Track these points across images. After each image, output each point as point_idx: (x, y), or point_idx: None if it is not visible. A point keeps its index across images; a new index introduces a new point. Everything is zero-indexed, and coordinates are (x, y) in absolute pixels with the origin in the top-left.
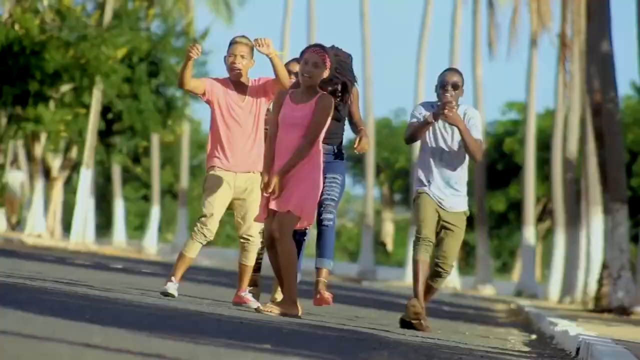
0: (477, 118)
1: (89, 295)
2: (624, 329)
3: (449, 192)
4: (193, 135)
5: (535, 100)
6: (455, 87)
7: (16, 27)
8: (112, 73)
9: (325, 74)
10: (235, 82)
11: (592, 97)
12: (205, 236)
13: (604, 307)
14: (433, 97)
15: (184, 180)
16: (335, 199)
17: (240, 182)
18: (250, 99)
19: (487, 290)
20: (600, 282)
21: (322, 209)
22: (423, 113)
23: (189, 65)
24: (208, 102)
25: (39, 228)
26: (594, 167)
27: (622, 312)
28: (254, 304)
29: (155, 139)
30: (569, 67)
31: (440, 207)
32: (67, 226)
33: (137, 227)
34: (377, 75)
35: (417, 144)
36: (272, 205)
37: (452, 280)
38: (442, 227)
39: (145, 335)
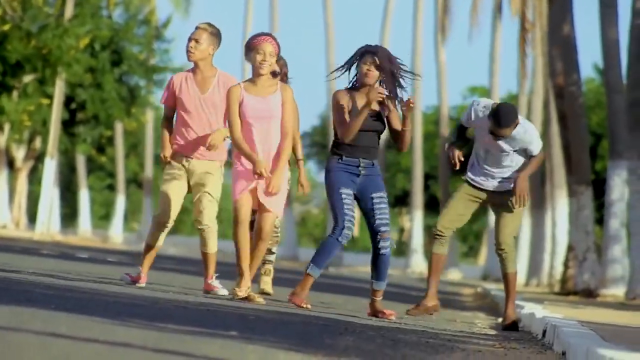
0: (534, 136)
1: (55, 285)
2: (590, 311)
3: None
4: (157, 123)
5: (498, 84)
6: (514, 125)
7: None
8: (75, 63)
9: (273, 61)
10: (196, 71)
11: (554, 80)
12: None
13: (570, 290)
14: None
15: (149, 169)
16: (388, 222)
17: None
18: (212, 91)
19: (454, 275)
20: (566, 265)
21: (377, 236)
22: (475, 122)
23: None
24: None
25: (4, 219)
26: (558, 150)
27: (588, 294)
28: (221, 291)
29: (119, 128)
30: (531, 51)
31: (484, 190)
32: (32, 217)
33: (102, 216)
34: (340, 61)
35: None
36: (266, 202)
37: (419, 265)
38: (494, 208)
39: (112, 323)
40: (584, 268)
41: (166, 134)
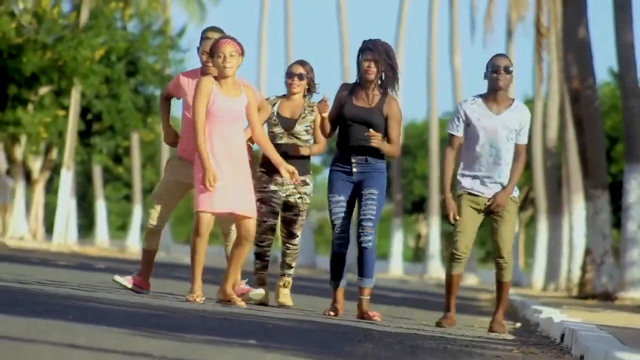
0: (529, 123)
1: (72, 296)
2: (608, 314)
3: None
4: None
5: (514, 89)
6: (507, 70)
7: None
8: (90, 74)
9: (241, 60)
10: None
11: (570, 85)
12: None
13: (587, 294)
14: (412, 89)
15: None
16: (372, 217)
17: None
18: None
19: (471, 280)
20: (583, 269)
21: (360, 230)
22: (470, 116)
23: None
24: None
25: (21, 230)
26: (574, 154)
27: (606, 297)
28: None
29: (135, 138)
30: (546, 56)
31: (481, 196)
32: (49, 228)
33: (119, 227)
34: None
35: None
36: (238, 211)
37: (436, 271)
38: (490, 216)
39: (130, 333)
40: (602, 271)
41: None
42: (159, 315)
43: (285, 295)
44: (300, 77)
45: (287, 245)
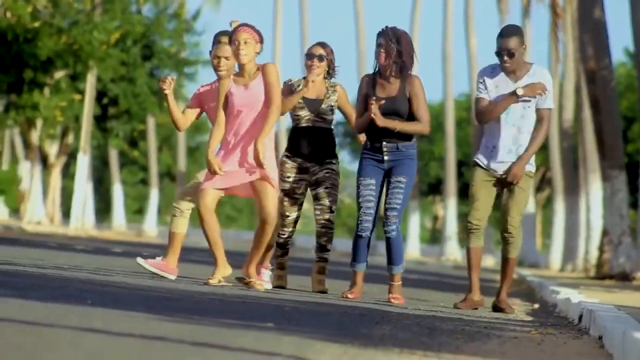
0: (551, 86)
1: (90, 280)
2: (626, 294)
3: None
4: None
5: None
6: (511, 55)
7: (8, 15)
8: (106, 57)
9: (259, 48)
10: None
11: (586, 65)
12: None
13: (605, 274)
14: (427, 70)
15: (182, 162)
16: (398, 206)
17: None
18: None
19: (489, 261)
20: (601, 249)
21: (385, 219)
22: (488, 84)
23: (170, 106)
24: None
25: (39, 215)
26: (590, 135)
27: (623, 278)
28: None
29: (151, 122)
30: (562, 36)
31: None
32: (66, 212)
33: (136, 210)
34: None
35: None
36: (242, 180)
37: (453, 252)
38: (501, 189)
39: (147, 317)
40: (619, 252)
41: None
42: (176, 299)
43: (321, 282)
44: (320, 58)
45: (323, 222)
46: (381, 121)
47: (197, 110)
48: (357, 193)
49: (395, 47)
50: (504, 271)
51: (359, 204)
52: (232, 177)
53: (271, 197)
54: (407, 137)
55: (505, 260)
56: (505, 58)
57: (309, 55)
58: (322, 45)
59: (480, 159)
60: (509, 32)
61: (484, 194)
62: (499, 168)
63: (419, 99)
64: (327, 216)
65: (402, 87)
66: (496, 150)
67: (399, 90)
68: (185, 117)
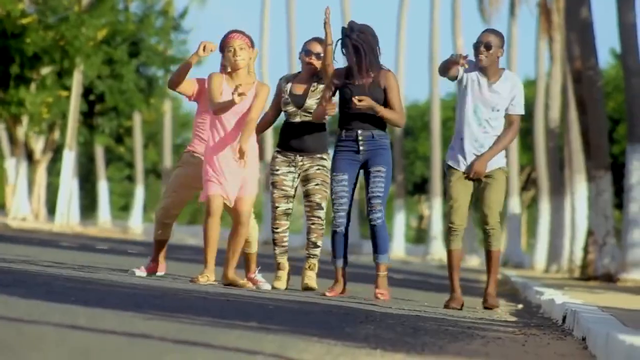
0: (521, 92)
1: (74, 277)
2: (610, 296)
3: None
4: (175, 113)
5: (516, 69)
6: (488, 47)
7: None
8: (93, 54)
9: (252, 52)
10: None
11: (572, 65)
12: None
13: (590, 275)
14: (414, 70)
15: (167, 159)
16: (381, 195)
17: None
18: None
19: (473, 261)
20: (585, 250)
21: (369, 208)
22: (461, 70)
23: (187, 66)
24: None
25: (24, 211)
26: (576, 135)
27: (608, 279)
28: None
29: (137, 119)
30: (548, 36)
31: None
32: (51, 208)
33: (121, 207)
34: None
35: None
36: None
37: (438, 252)
38: (476, 184)
39: (132, 315)
40: (604, 253)
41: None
42: (161, 296)
43: (311, 278)
44: (318, 56)
45: (312, 219)
46: (366, 101)
47: (196, 85)
48: (330, 189)
49: (353, 40)
50: (488, 266)
51: (332, 200)
52: (232, 179)
53: (246, 198)
54: (381, 125)
55: (488, 254)
56: (482, 49)
57: (307, 52)
58: (320, 41)
59: (451, 163)
60: (491, 30)
61: (462, 192)
62: (466, 167)
63: (393, 90)
64: (317, 213)
65: (376, 77)
66: (463, 151)
67: (373, 79)
68: (186, 81)
